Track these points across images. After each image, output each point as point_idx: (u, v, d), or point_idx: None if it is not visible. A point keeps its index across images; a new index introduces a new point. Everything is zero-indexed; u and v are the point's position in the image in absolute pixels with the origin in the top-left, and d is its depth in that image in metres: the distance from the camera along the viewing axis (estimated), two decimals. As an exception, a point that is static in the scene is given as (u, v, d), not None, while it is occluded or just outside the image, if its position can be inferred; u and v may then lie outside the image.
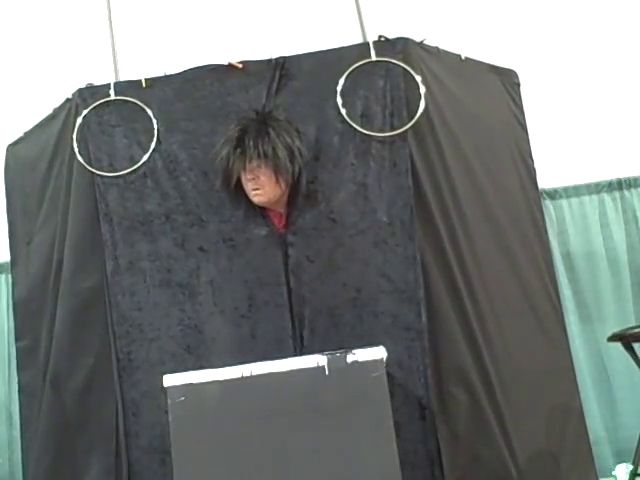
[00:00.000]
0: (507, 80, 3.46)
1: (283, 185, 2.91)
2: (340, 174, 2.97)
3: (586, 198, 4.52)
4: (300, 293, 2.92)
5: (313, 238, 2.95)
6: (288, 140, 2.89)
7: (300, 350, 2.86)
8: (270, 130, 2.87)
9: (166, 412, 2.74)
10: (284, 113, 2.98)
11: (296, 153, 2.89)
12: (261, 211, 2.99)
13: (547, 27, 4.57)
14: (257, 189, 2.92)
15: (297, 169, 2.90)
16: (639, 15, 4.57)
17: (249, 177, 2.91)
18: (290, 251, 2.95)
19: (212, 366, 2.71)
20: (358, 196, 2.96)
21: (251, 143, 2.85)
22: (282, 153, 2.86)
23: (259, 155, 2.86)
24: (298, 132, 2.94)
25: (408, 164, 2.95)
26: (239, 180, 2.94)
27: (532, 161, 3.45)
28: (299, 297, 2.92)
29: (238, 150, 2.88)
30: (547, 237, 3.46)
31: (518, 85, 3.50)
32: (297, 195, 2.95)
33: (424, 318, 2.87)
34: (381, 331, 2.87)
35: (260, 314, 2.92)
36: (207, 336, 2.93)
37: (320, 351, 2.64)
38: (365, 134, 2.96)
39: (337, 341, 2.85)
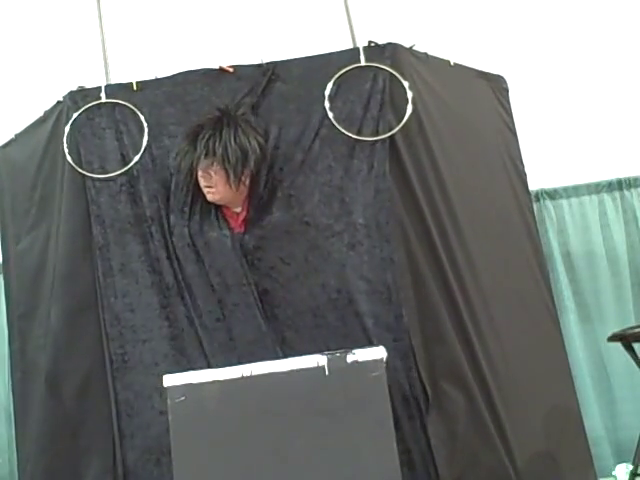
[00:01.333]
0: (495, 86, 3.47)
1: (234, 186, 2.90)
2: (316, 177, 2.97)
3: (586, 198, 4.52)
4: (279, 294, 2.93)
5: (286, 241, 2.95)
6: (243, 141, 2.88)
7: (283, 350, 2.86)
8: (225, 129, 2.87)
9: (161, 412, 2.79)
10: (264, 115, 3.00)
11: (250, 155, 2.88)
12: (216, 211, 2.99)
13: (547, 29, 4.57)
14: (209, 187, 2.93)
15: (250, 171, 2.90)
16: (637, 16, 4.57)
17: (201, 174, 2.92)
18: (259, 254, 2.94)
19: (202, 368, 2.73)
20: (333, 199, 2.96)
21: (203, 142, 2.86)
22: (234, 154, 2.86)
23: (208, 153, 2.86)
24: (258, 133, 2.93)
25: (386, 166, 2.95)
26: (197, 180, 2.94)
27: (522, 165, 3.46)
28: (278, 298, 2.93)
29: (191, 147, 2.89)
30: (539, 239, 3.46)
31: (507, 91, 3.52)
32: (261, 198, 2.95)
33: (406, 319, 2.87)
34: (363, 331, 2.88)
35: (233, 317, 2.93)
36: (193, 338, 2.94)
37: (306, 351, 2.65)
38: (350, 138, 2.97)
39: (322, 341, 2.85)
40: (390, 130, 2.98)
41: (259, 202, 2.97)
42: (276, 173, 2.98)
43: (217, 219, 2.98)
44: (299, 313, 2.91)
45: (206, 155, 2.87)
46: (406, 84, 3.02)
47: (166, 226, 2.99)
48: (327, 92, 3.00)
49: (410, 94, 3.01)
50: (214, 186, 2.92)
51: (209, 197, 2.95)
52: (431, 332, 2.91)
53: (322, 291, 2.91)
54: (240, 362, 2.68)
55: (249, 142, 2.88)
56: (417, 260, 2.95)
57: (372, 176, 2.95)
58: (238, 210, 3.00)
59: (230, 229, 2.97)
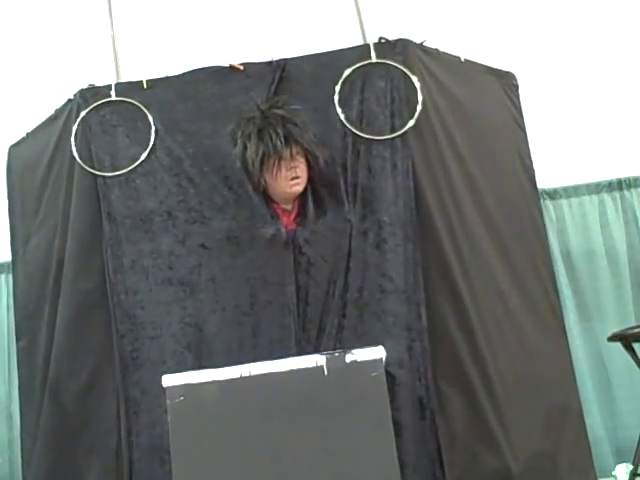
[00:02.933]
0: (505, 82, 3.45)
1: (317, 168, 2.92)
2: (344, 175, 2.96)
3: (586, 198, 4.53)
4: (311, 292, 2.90)
5: (329, 239, 2.93)
6: (310, 128, 2.90)
7: (306, 350, 2.83)
8: (299, 118, 2.87)
9: (165, 411, 2.76)
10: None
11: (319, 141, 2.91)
12: (268, 208, 2.97)
13: (547, 29, 4.57)
14: (297, 178, 2.91)
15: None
16: (637, 15, 4.57)
17: (292, 165, 2.88)
18: (306, 249, 2.92)
19: (213, 364, 2.70)
20: (358, 197, 2.95)
21: (281, 133, 2.82)
22: (313, 139, 2.87)
23: (295, 142, 2.84)
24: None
25: (409, 165, 2.94)
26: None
27: (531, 162, 3.44)
28: (310, 296, 2.91)
29: (261, 142, 2.85)
30: (547, 238, 3.46)
31: (516, 87, 3.49)
32: (314, 193, 2.95)
33: (424, 318, 2.86)
34: (382, 331, 2.85)
35: (263, 313, 2.91)
36: (208, 334, 2.91)
37: (327, 351, 2.63)
38: (364, 137, 2.96)
39: (341, 341, 2.84)
40: (404, 127, 2.96)
41: (311, 200, 2.96)
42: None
43: (271, 215, 2.96)
44: (327, 312, 2.89)
45: (291, 145, 2.84)
46: (417, 82, 3.00)
47: (184, 219, 2.97)
48: (337, 89, 2.98)
49: (420, 94, 2.99)
50: (301, 176, 2.91)
51: (295, 189, 2.92)
52: (438, 331, 2.89)
53: (345, 290, 2.90)
54: (258, 359, 2.64)
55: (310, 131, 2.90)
56: (425, 259, 2.92)
57: (395, 174, 2.94)
58: (289, 207, 2.99)
59: (283, 226, 2.95)
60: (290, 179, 2.91)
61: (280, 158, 2.86)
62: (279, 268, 2.92)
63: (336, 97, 2.98)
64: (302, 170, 2.92)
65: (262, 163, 2.87)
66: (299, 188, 2.93)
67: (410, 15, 4.29)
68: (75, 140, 3.06)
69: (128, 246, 2.98)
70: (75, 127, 3.07)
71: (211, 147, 3.00)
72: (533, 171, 3.43)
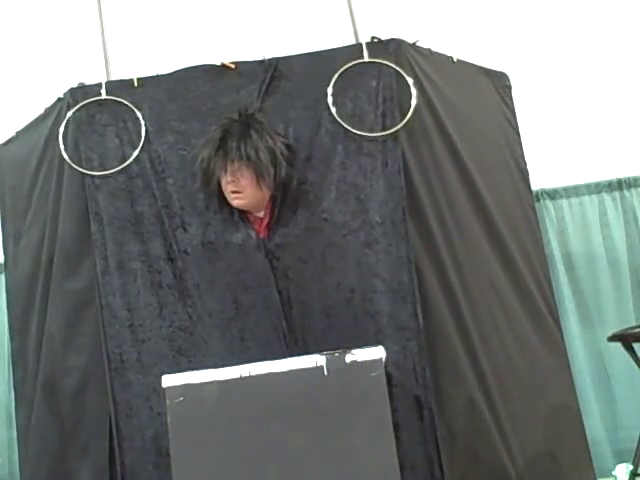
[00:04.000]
0: (498, 83, 3.45)
1: (264, 189, 2.88)
2: (331, 174, 2.95)
3: (586, 198, 4.52)
4: (294, 295, 2.90)
5: (305, 238, 2.92)
6: (270, 143, 2.86)
7: (295, 351, 2.82)
8: (253, 132, 2.84)
9: (159, 414, 2.77)
10: (272, 114, 2.97)
11: (278, 156, 2.86)
12: (240, 214, 2.96)
13: (547, 29, 4.57)
14: (237, 192, 2.88)
15: (279, 172, 2.87)
16: (638, 14, 4.57)
17: (229, 179, 2.87)
18: (278, 254, 2.92)
19: (204, 368, 2.69)
20: (349, 196, 2.94)
21: (234, 145, 2.82)
22: (264, 156, 2.83)
23: (241, 157, 2.82)
24: (279, 135, 2.92)
25: (400, 164, 2.93)
26: (219, 182, 2.91)
27: (524, 163, 3.44)
28: (292, 299, 2.90)
29: (220, 152, 2.84)
30: (541, 238, 3.45)
31: (509, 88, 3.50)
32: (284, 198, 2.93)
33: (420, 318, 2.85)
34: (376, 331, 2.85)
35: (248, 317, 2.90)
36: (198, 338, 2.91)
37: (317, 352, 2.61)
38: (356, 134, 2.95)
39: (333, 341, 2.82)
40: (395, 126, 2.96)
41: (282, 204, 2.95)
42: (292, 172, 2.96)
43: (242, 221, 2.95)
44: (312, 313, 2.89)
45: (239, 159, 2.83)
46: (410, 81, 3.00)
47: (168, 225, 2.97)
48: (330, 89, 2.98)
49: (414, 91, 2.99)
50: (242, 191, 2.88)
51: (235, 203, 2.91)
52: (434, 331, 2.89)
53: (336, 290, 2.89)
54: (249, 362, 2.64)
55: (275, 144, 2.86)
56: (419, 258, 2.92)
57: (386, 173, 2.93)
58: (261, 215, 2.97)
59: (255, 233, 2.95)
60: (230, 192, 2.89)
61: (225, 170, 2.86)
62: (256, 273, 2.92)
63: (329, 96, 2.97)
64: (243, 186, 2.87)
65: (203, 171, 2.89)
66: (241, 202, 2.90)
67: (402, 15, 4.28)
68: (64, 139, 3.04)
69: (115, 247, 2.96)
70: (63, 126, 3.05)
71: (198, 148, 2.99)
72: (527, 172, 3.43)
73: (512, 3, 4.60)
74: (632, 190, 4.47)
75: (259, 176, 2.84)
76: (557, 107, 4.47)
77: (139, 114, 3.02)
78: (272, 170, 2.85)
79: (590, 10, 4.58)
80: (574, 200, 4.52)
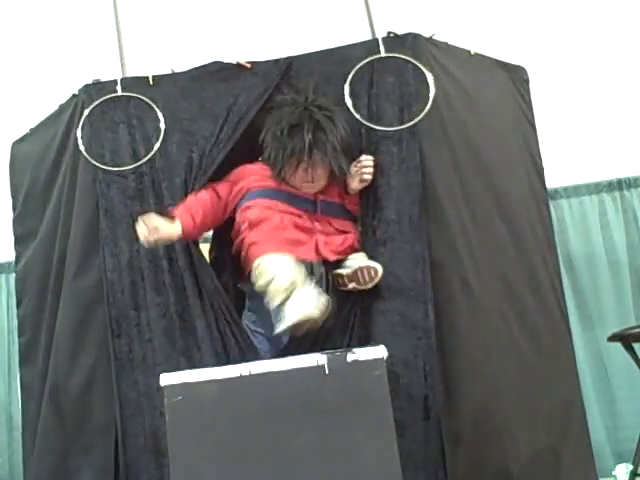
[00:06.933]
0: (516, 76, 3.40)
1: (340, 176, 2.88)
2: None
3: (586, 198, 4.53)
4: None
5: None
6: (344, 133, 2.86)
7: (309, 351, 2.80)
8: (324, 121, 2.82)
9: (161, 413, 2.72)
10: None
11: (349, 145, 2.88)
12: None
13: (546, 29, 4.57)
14: (310, 181, 2.90)
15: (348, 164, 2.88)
16: (633, 17, 4.58)
17: (309, 170, 2.87)
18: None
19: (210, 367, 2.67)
20: (365, 193, 2.92)
21: (308, 135, 2.79)
22: (339, 145, 2.82)
23: (317, 147, 2.80)
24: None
25: (417, 161, 2.90)
26: None
27: (540, 158, 3.40)
28: None
29: (290, 142, 2.82)
30: (554, 236, 3.41)
31: (527, 82, 3.44)
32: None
33: (431, 317, 2.82)
34: (388, 329, 2.83)
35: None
36: (200, 339, 2.89)
37: (330, 349, 2.60)
38: (374, 129, 2.92)
39: (346, 340, 2.83)
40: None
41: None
42: None
43: None
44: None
45: (319, 154, 2.81)
46: (429, 76, 2.96)
47: None
48: (347, 87, 2.95)
49: (433, 89, 2.94)
50: (316, 180, 2.90)
51: (306, 190, 2.91)
52: (446, 330, 2.85)
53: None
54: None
55: (345, 132, 2.86)
56: (436, 256, 2.88)
57: (403, 170, 2.90)
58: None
59: None
60: (304, 181, 2.90)
61: (301, 161, 2.85)
62: None
63: (347, 94, 2.94)
64: (319, 176, 2.89)
65: (287, 160, 2.85)
66: (310, 190, 2.92)
67: (418, 9, 4.26)
68: (82, 135, 3.02)
69: (124, 245, 2.94)
70: (82, 122, 3.02)
71: (206, 148, 2.97)
72: (542, 168, 3.39)
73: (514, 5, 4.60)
74: (632, 190, 4.49)
75: (336, 169, 2.85)
76: (557, 107, 4.48)
77: (158, 111, 3.00)
78: (345, 159, 2.85)
79: (589, 12, 4.58)
80: (574, 200, 4.54)
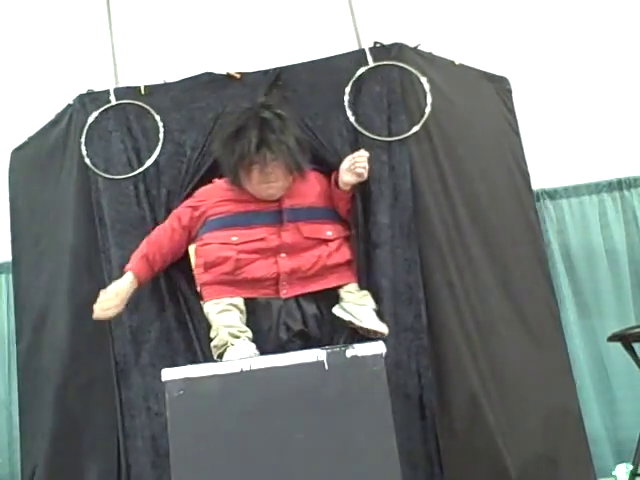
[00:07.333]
0: (499, 87, 3.45)
1: (299, 176, 2.87)
2: None
3: (586, 198, 4.53)
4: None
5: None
6: (298, 132, 2.86)
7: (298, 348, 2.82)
8: (275, 122, 2.81)
9: (156, 414, 2.78)
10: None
11: (304, 144, 2.86)
12: None
13: (545, 29, 4.58)
14: (270, 182, 2.84)
15: (306, 161, 2.87)
16: (636, 16, 4.59)
17: (269, 170, 2.81)
18: None
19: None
20: (358, 199, 2.95)
21: (273, 136, 2.77)
22: (294, 144, 2.81)
23: (270, 148, 2.77)
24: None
25: (407, 167, 2.94)
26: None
27: (526, 166, 3.44)
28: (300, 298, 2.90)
29: (238, 145, 2.79)
30: (543, 240, 3.45)
31: (510, 92, 3.49)
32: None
33: (424, 318, 2.86)
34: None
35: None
36: (195, 339, 2.91)
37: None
38: (368, 140, 2.95)
39: (339, 341, 2.83)
40: (403, 131, 2.97)
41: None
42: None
43: None
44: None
45: (268, 151, 2.77)
46: (426, 84, 3.01)
47: None
48: (346, 97, 2.98)
49: (429, 96, 2.99)
50: (275, 181, 2.84)
51: (270, 192, 2.85)
52: (437, 331, 2.89)
53: None
54: None
55: (297, 130, 2.86)
56: (423, 260, 2.93)
57: (394, 177, 2.94)
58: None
59: None
60: (263, 183, 2.84)
61: (252, 162, 2.80)
62: None
63: (346, 102, 2.97)
64: (277, 176, 2.83)
65: (237, 163, 2.81)
66: (273, 192, 2.86)
67: (403, 21, 4.29)
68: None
69: (117, 251, 2.97)
70: (85, 132, 3.05)
71: (192, 159, 3.01)
72: (528, 174, 3.43)
73: (512, 7, 4.61)
74: (632, 190, 4.49)
75: (292, 165, 2.82)
76: (557, 108, 4.48)
77: (157, 116, 3.03)
78: (302, 157, 2.84)
79: (589, 12, 4.59)
80: (574, 200, 4.53)
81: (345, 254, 2.91)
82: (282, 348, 2.76)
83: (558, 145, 4.44)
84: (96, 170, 3.03)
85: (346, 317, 2.81)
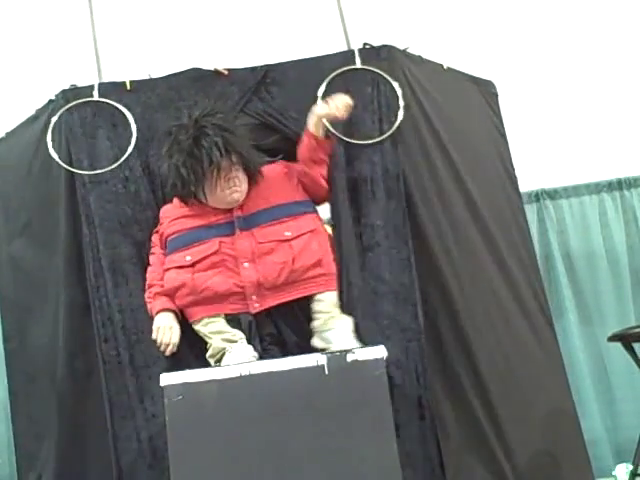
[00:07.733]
0: (485, 90, 3.47)
1: (256, 180, 2.88)
2: (333, 181, 2.95)
3: (586, 198, 4.52)
4: None
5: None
6: (246, 135, 2.88)
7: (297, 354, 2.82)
8: (234, 127, 2.83)
9: (153, 415, 2.76)
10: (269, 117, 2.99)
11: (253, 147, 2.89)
12: None
13: (544, 29, 4.58)
14: (235, 187, 2.82)
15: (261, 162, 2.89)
16: (636, 15, 4.58)
17: (233, 175, 2.81)
18: None
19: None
20: (351, 201, 2.94)
21: (213, 145, 2.74)
22: (249, 150, 2.84)
23: (228, 154, 2.77)
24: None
25: (399, 169, 2.94)
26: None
27: (513, 168, 3.46)
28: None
29: (193, 156, 2.76)
30: (532, 242, 3.47)
31: (496, 96, 3.51)
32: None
33: (420, 319, 2.86)
34: (377, 333, 2.84)
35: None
36: (186, 340, 2.89)
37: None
38: (348, 141, 2.95)
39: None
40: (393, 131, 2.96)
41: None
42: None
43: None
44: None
45: (230, 154, 2.77)
46: (398, 88, 2.99)
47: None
48: (320, 94, 2.96)
49: (401, 100, 2.97)
50: (239, 185, 2.84)
51: (235, 196, 2.83)
52: (430, 332, 2.89)
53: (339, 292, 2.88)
54: None
55: (243, 129, 2.87)
56: (415, 261, 2.92)
57: (387, 178, 2.93)
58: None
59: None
60: (227, 189, 2.82)
61: (218, 168, 2.78)
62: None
63: (319, 101, 2.94)
64: (240, 180, 2.84)
65: (204, 171, 2.77)
66: (238, 195, 2.84)
67: (392, 23, 4.29)
68: (56, 141, 3.02)
69: (106, 250, 2.93)
70: (51, 127, 3.01)
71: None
72: (515, 175, 3.45)
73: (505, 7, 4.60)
74: (632, 190, 4.47)
75: (251, 167, 2.84)
76: (558, 107, 4.48)
77: (130, 118, 2.99)
78: (258, 160, 2.87)
79: (588, 10, 4.58)
80: (574, 200, 4.52)
81: (313, 254, 2.82)
82: (260, 358, 2.75)
83: (558, 145, 4.44)
84: (63, 164, 2.98)
85: (322, 345, 2.77)
